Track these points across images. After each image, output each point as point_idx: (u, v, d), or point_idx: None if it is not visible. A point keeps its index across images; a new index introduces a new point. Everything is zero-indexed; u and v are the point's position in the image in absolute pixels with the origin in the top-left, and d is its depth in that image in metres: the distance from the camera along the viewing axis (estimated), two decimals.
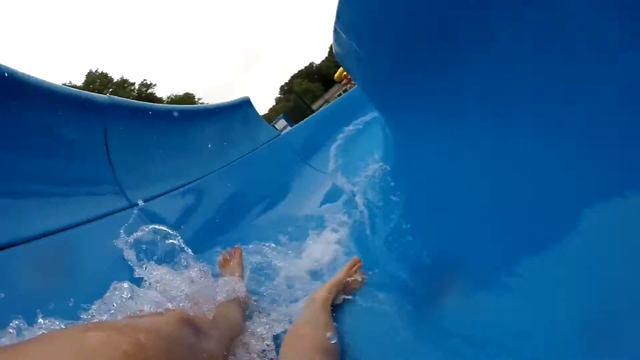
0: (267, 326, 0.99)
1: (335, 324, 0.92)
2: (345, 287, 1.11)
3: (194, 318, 0.64)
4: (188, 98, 38.95)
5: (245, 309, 1.08)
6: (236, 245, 1.38)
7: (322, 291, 1.05)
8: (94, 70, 32.49)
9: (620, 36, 0.45)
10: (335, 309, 1.05)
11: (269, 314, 1.09)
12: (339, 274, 1.13)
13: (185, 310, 0.69)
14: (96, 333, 0.44)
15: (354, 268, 1.16)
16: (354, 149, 2.87)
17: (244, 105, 2.83)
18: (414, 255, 1.10)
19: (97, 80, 31.59)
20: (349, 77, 14.81)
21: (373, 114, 3.44)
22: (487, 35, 0.72)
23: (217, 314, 0.84)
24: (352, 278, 1.12)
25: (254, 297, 1.20)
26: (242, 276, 1.24)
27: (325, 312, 0.94)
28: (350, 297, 1.10)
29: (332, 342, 0.79)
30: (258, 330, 0.97)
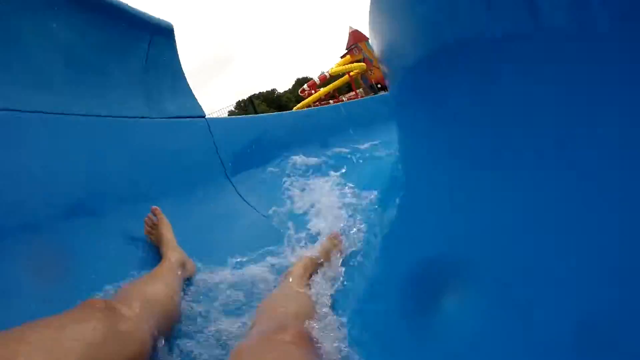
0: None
1: (311, 299, 0.85)
2: (323, 263, 1.06)
3: (115, 304, 0.62)
4: None
5: (185, 275, 1.00)
6: (152, 207, 1.15)
7: (298, 267, 1.01)
8: None
9: None
10: (314, 285, 0.95)
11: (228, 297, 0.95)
12: (317, 249, 1.09)
13: (112, 297, 0.68)
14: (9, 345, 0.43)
15: (333, 243, 1.12)
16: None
17: (163, 33, 1.48)
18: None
19: None
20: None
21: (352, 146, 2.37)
22: None
23: (148, 287, 0.81)
24: (331, 253, 1.08)
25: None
26: (173, 239, 1.10)
27: (300, 287, 0.90)
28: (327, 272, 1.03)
29: (307, 312, 0.77)
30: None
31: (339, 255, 1.07)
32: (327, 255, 1.07)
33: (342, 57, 15.53)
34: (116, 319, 0.58)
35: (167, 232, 1.12)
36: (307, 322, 0.70)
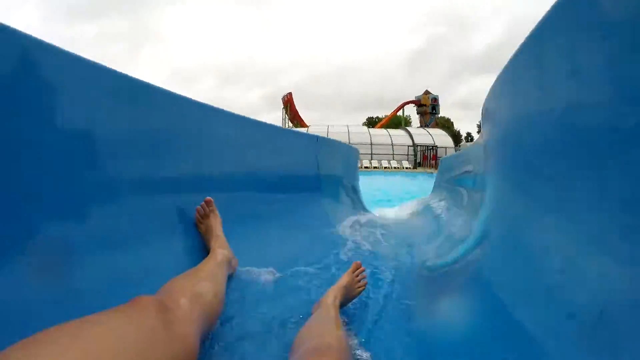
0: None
1: (342, 327, 0.90)
2: (350, 291, 1.11)
3: (167, 303, 0.60)
4: None
5: (229, 272, 1.05)
6: (206, 198, 1.17)
7: (329, 295, 1.04)
8: None
9: None
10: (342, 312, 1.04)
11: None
12: (343, 278, 1.12)
13: (157, 295, 0.66)
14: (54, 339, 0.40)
15: (357, 272, 1.16)
16: None
17: None
18: None
19: None
20: None
21: None
22: None
23: (197, 285, 0.80)
24: (356, 281, 1.14)
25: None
26: (221, 232, 1.14)
27: (334, 313, 0.95)
28: (355, 300, 1.14)
29: (343, 339, 0.81)
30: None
31: (362, 283, 1.14)
32: (352, 284, 1.11)
33: None
34: (167, 319, 0.56)
35: (217, 226, 1.14)
36: (341, 352, 0.73)
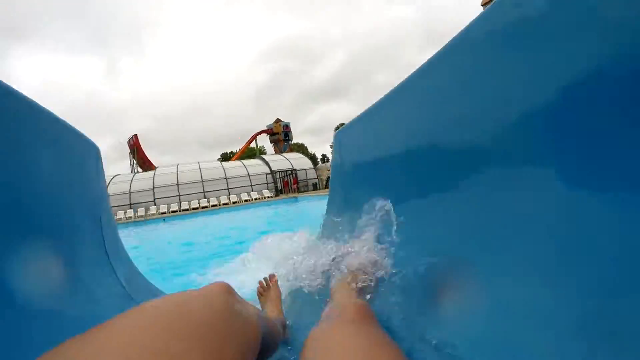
0: None
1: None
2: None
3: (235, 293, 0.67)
4: None
5: (279, 337, 1.03)
6: (270, 274, 1.35)
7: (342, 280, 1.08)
8: None
9: None
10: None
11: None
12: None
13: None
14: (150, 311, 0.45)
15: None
16: None
17: None
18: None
19: None
20: None
21: None
22: None
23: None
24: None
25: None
26: (280, 305, 1.26)
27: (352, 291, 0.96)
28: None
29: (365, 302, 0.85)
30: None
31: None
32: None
33: None
34: (237, 299, 0.60)
35: (276, 299, 1.26)
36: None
